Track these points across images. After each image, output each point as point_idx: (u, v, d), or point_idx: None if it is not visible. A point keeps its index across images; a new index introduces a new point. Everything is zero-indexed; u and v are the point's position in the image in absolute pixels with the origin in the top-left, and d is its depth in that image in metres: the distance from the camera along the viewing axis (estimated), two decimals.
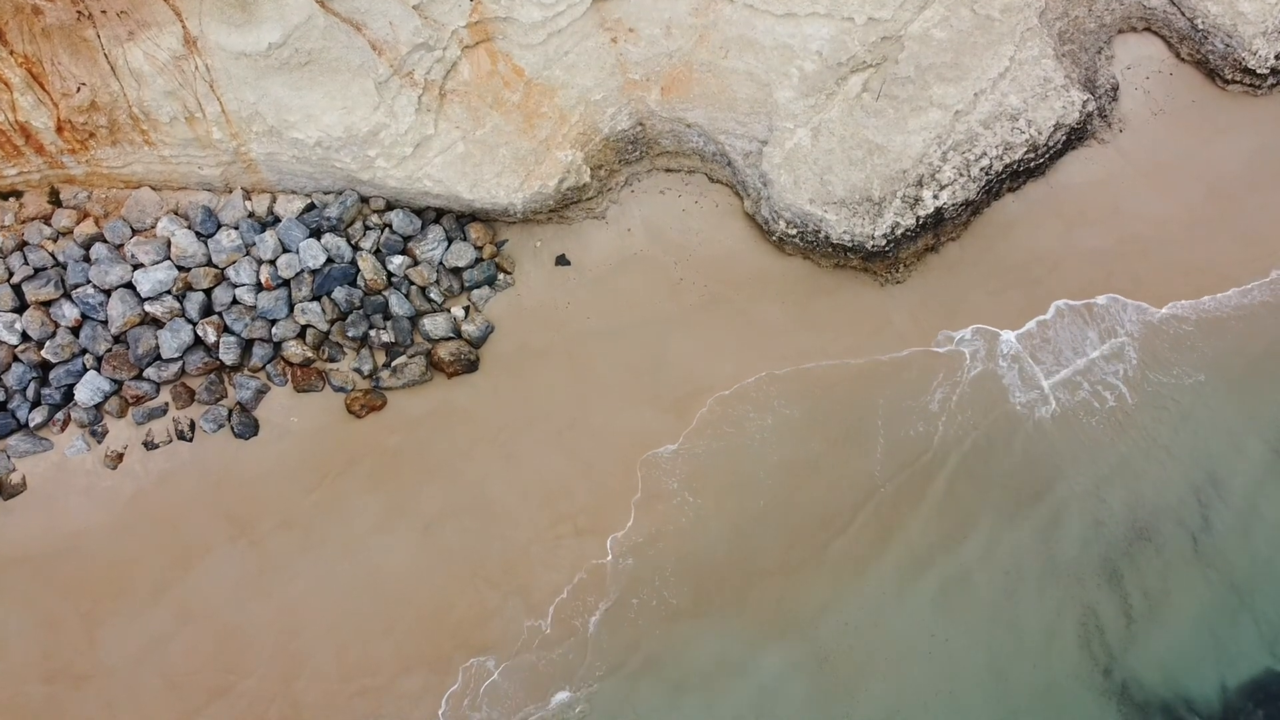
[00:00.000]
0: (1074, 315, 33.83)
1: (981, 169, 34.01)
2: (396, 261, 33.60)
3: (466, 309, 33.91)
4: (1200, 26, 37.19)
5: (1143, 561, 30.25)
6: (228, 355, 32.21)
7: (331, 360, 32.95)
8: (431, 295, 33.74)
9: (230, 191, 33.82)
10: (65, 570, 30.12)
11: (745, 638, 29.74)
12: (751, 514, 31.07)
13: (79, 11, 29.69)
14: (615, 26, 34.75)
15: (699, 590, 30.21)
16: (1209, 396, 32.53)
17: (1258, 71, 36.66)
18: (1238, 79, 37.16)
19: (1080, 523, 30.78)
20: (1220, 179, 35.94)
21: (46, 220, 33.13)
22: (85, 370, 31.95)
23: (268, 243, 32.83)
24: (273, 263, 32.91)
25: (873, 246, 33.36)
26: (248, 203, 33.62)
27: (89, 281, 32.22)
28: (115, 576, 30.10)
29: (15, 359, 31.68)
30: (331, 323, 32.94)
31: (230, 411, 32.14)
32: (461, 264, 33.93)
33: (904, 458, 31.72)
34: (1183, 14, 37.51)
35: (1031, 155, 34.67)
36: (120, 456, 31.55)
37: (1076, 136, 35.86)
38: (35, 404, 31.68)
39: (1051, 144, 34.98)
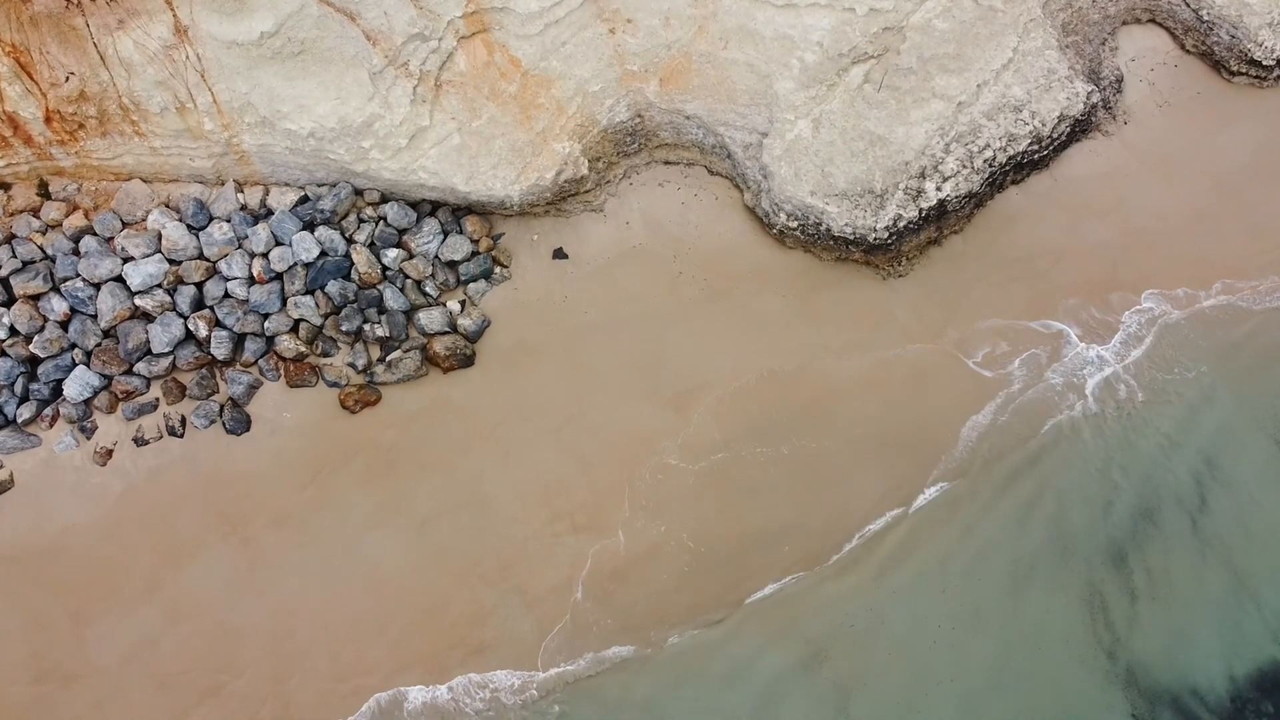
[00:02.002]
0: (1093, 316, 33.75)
1: (985, 161, 33.56)
2: (391, 255, 33.09)
3: (462, 303, 33.41)
4: (1205, 18, 36.76)
5: (1145, 540, 30.02)
6: (219, 350, 31.68)
7: (325, 355, 32.43)
8: (427, 289, 33.23)
9: (222, 184, 33.28)
10: (54, 568, 29.57)
11: (742, 639, 29.35)
12: (753, 518, 30.63)
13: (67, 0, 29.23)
14: (613, 17, 34.25)
15: (694, 600, 29.85)
16: (1210, 387, 32.36)
17: (1264, 63, 36.24)
18: (1243, 71, 36.75)
19: (1090, 507, 30.50)
20: (1226, 172, 35.56)
21: (35, 213, 32.56)
22: (74, 365, 31.40)
23: (260, 235, 32.30)
24: (265, 256, 32.37)
25: (875, 239, 32.89)
26: (240, 195, 33.10)
27: (78, 275, 31.68)
28: (104, 575, 29.56)
29: (3, 353, 31.08)
30: (325, 317, 32.42)
31: (222, 407, 31.61)
32: (457, 257, 33.41)
33: (919, 455, 31.36)
34: (1187, 5, 37.07)
35: (1035, 147, 34.21)
36: (110, 453, 31.01)
37: (1081, 128, 35.42)
38: (23, 399, 31.09)
39: (1055, 136, 34.53)
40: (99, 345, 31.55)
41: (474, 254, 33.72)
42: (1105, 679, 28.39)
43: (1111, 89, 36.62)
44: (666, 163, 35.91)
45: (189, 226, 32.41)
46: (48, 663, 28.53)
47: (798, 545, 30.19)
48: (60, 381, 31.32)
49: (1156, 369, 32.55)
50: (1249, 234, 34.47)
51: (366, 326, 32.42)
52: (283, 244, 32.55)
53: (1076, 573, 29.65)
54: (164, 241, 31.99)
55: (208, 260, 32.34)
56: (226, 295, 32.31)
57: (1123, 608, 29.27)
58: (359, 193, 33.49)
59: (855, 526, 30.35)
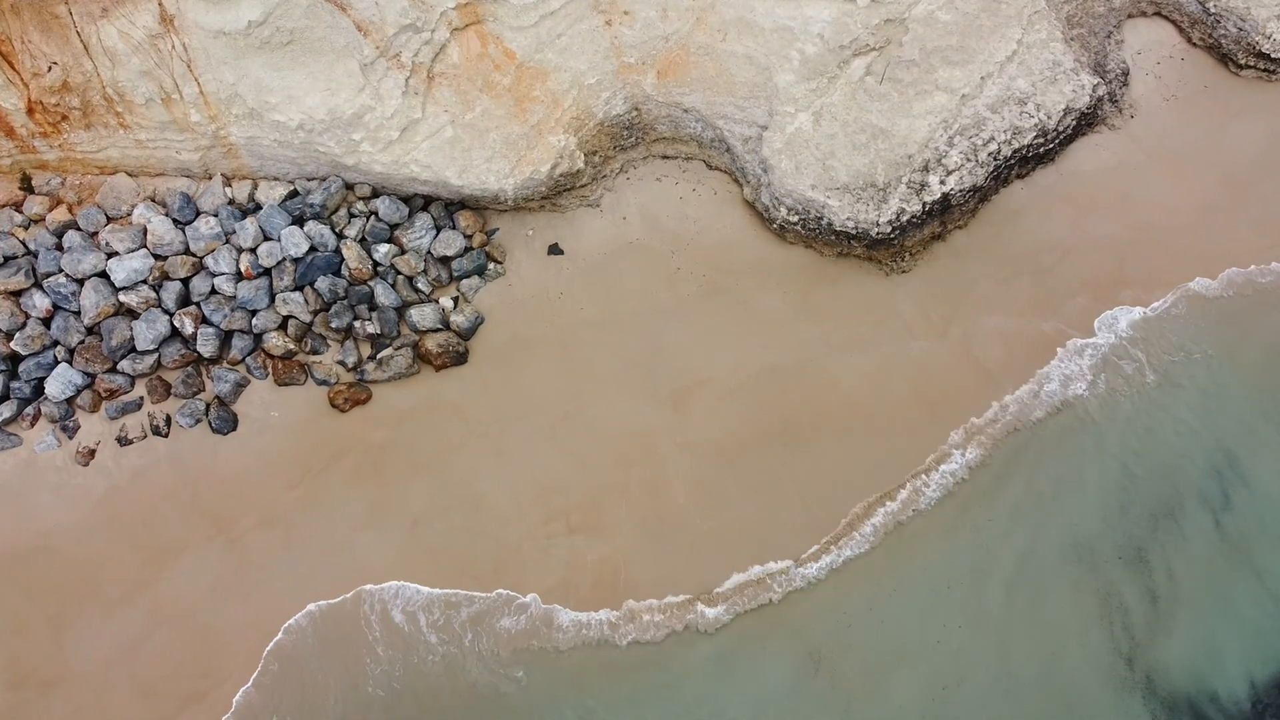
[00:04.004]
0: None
1: (989, 154, 32.86)
2: (382, 250, 32.33)
3: (455, 299, 32.63)
4: (1212, 10, 36.16)
5: (1167, 539, 29.02)
6: (206, 347, 30.86)
7: (314, 352, 31.62)
8: (419, 285, 32.45)
9: (210, 178, 32.54)
10: (33, 571, 28.67)
11: (731, 638, 28.41)
12: (749, 513, 29.80)
13: None
14: (610, 9, 33.63)
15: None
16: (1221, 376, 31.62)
17: (1272, 56, 35.61)
18: (1251, 64, 36.11)
19: (1107, 501, 29.55)
20: (1234, 165, 34.87)
21: (17, 207, 31.80)
22: (56, 363, 30.57)
23: (248, 230, 31.53)
24: (253, 251, 31.59)
25: (877, 234, 32.14)
26: (228, 189, 32.35)
27: (61, 270, 30.88)
28: (85, 577, 28.65)
29: None
30: (314, 313, 31.62)
31: (208, 405, 30.77)
32: (450, 253, 32.64)
33: (921, 449, 30.53)
34: None
35: (1041, 140, 33.52)
36: (92, 452, 30.15)
37: (1087, 122, 34.75)
38: (4, 398, 30.24)
39: (1061, 129, 33.84)
40: (82, 343, 30.74)
41: (467, 249, 32.96)
42: (1123, 685, 27.24)
43: (1117, 82, 35.96)
44: (664, 157, 35.21)
45: (175, 221, 31.66)
46: (25, 668, 27.61)
47: (795, 539, 29.38)
48: (42, 380, 30.49)
49: (1166, 354, 31.75)
50: (1259, 228, 33.72)
51: (357, 323, 31.63)
52: (271, 239, 31.78)
53: (1093, 572, 28.67)
54: (149, 236, 31.22)
55: (194, 256, 31.56)
56: (213, 291, 31.52)
57: (1143, 610, 28.23)
58: (349, 187, 32.78)
59: (856, 522, 29.46)
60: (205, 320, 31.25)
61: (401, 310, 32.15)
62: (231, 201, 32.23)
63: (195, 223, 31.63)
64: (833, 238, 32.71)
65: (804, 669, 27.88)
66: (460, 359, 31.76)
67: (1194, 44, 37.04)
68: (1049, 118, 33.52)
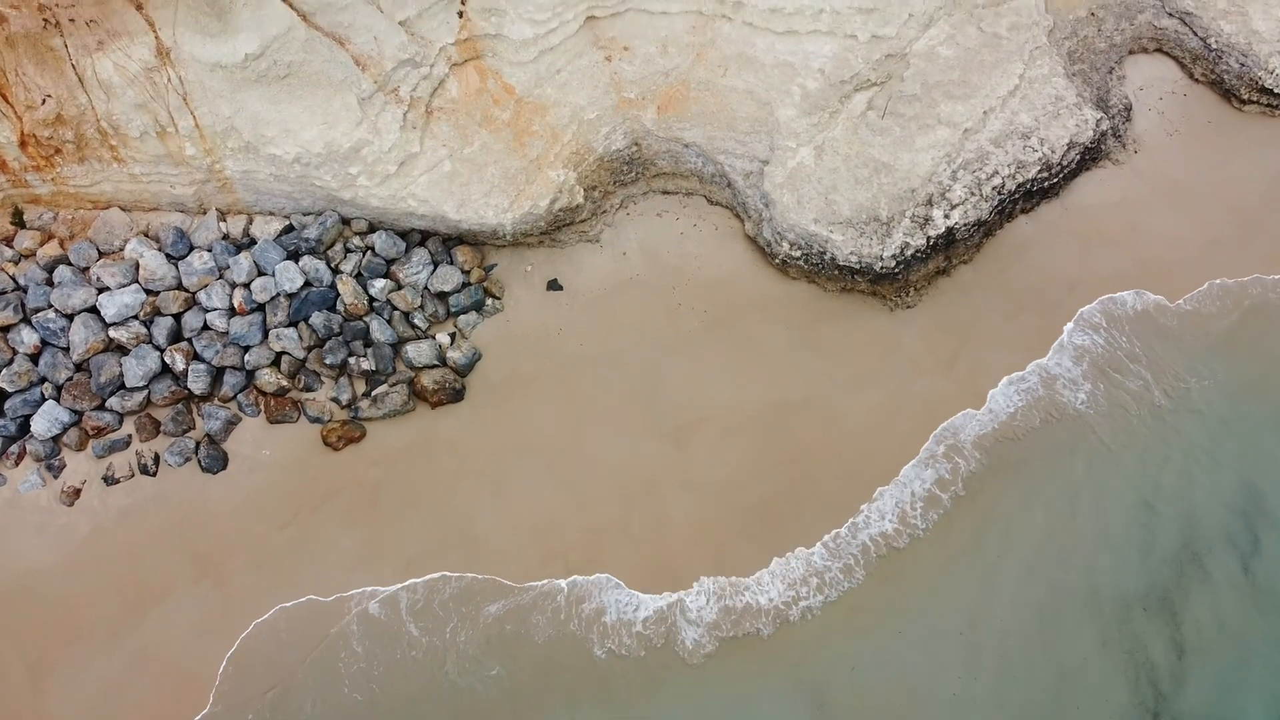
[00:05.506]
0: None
1: (994, 188, 32.50)
2: (379, 285, 31.78)
3: (452, 335, 32.02)
4: (1214, 46, 36.05)
5: (1193, 586, 27.98)
6: (196, 384, 30.17)
7: (307, 389, 30.91)
8: (415, 321, 31.87)
9: (204, 212, 32.10)
10: (13, 614, 27.75)
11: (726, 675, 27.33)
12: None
13: (45, 19, 28.22)
14: (609, 44, 33.48)
15: None
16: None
17: (1275, 91, 35.45)
18: (1254, 99, 35.94)
19: (1129, 542, 28.71)
20: (1239, 199, 34.61)
21: (8, 242, 31.33)
22: (43, 400, 29.87)
23: (242, 265, 31.01)
24: (247, 286, 31.05)
25: (881, 268, 31.64)
26: (222, 224, 31.89)
27: (51, 305, 30.32)
28: (67, 621, 27.71)
29: None
30: (308, 349, 30.99)
31: (198, 444, 30.00)
32: (447, 288, 32.10)
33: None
34: (1195, 34, 36.40)
35: (1045, 174, 33.18)
36: (77, 492, 29.32)
37: (1090, 156, 34.44)
38: None
39: (1065, 163, 33.53)
40: (70, 379, 30.05)
41: (465, 285, 32.43)
42: None
43: (1120, 117, 35.73)
44: (664, 192, 34.83)
45: (168, 256, 31.14)
46: (3, 714, 26.53)
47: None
48: (28, 417, 29.75)
49: (1175, 378, 31.28)
50: (1265, 261, 33.34)
51: (352, 360, 30.98)
52: (266, 274, 31.25)
53: (1116, 624, 27.63)
54: (141, 271, 30.69)
55: (187, 291, 30.99)
56: (205, 327, 30.91)
57: (1169, 664, 27.15)
58: (346, 221, 32.31)
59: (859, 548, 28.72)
60: (197, 356, 30.61)
61: (397, 346, 31.53)
62: (226, 236, 31.75)
63: (188, 257, 31.13)
64: (836, 272, 32.21)
65: (803, 715, 26.77)
66: (457, 396, 31.07)
67: (1196, 80, 36.89)
68: (1053, 152, 33.23)
